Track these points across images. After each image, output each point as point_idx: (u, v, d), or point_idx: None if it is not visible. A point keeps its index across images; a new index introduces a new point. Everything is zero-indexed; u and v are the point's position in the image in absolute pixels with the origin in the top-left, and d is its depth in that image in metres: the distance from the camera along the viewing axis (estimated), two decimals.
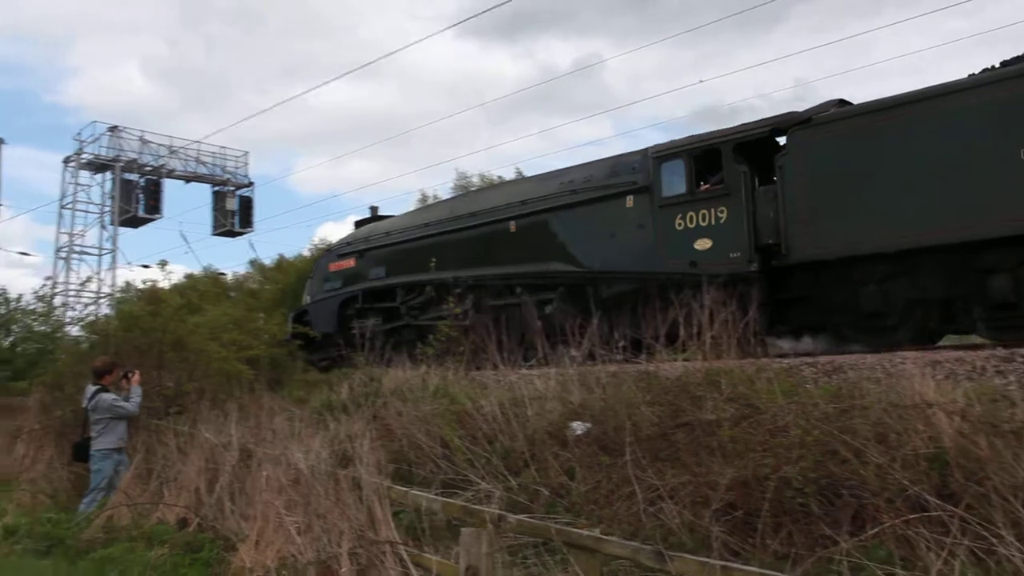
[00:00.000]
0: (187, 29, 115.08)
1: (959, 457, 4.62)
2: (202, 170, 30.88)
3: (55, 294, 25.16)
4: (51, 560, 6.57)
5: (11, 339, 16.96)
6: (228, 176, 31.34)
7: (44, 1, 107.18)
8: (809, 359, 7.58)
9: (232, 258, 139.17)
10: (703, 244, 10.86)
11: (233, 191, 31.34)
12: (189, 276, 30.97)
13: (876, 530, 4.45)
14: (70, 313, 18.47)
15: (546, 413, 7.54)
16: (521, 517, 4.74)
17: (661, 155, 11.55)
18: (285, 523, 5.77)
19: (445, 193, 37.35)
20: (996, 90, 8.63)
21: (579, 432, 7.01)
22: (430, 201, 31.37)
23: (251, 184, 31.94)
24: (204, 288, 13.12)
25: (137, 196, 29.68)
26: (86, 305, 19.70)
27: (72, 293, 24.08)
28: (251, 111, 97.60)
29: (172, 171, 30.28)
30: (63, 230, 29.53)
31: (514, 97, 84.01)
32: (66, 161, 30.04)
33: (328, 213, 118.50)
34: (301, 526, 5.68)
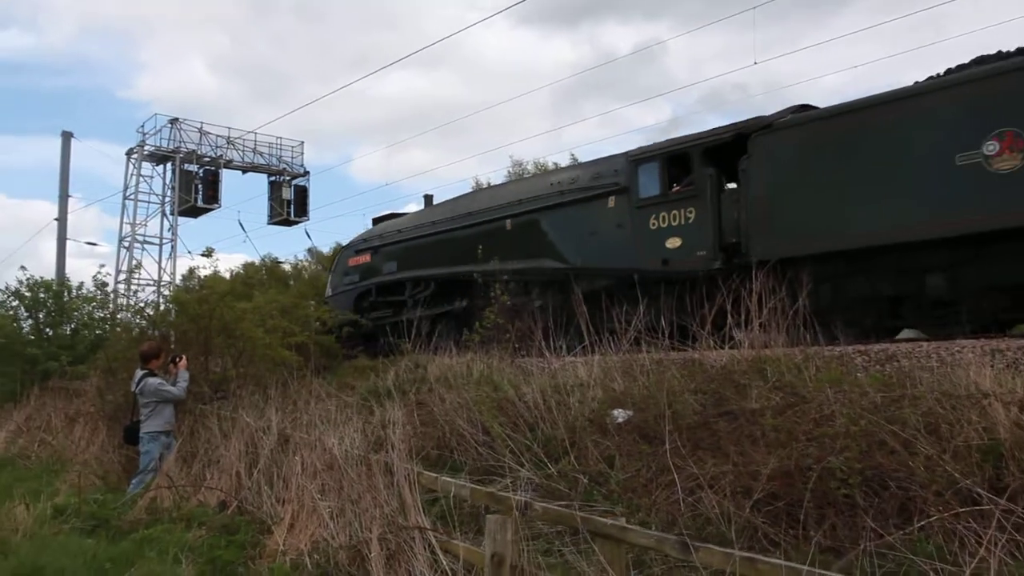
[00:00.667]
0: (254, 24, 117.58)
1: (1015, 449, 4.36)
2: (259, 160, 31.31)
3: (118, 282, 25.91)
4: (95, 539, 6.69)
5: (72, 326, 17.46)
6: (284, 166, 31.72)
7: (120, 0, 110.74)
8: (861, 347, 7.29)
9: (289, 246, 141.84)
10: (674, 243, 11.42)
11: (289, 180, 31.73)
12: (248, 264, 31.50)
13: (923, 523, 4.23)
14: (124, 300, 18.92)
15: (588, 401, 7.41)
16: (546, 504, 4.62)
17: (638, 158, 12.20)
18: (319, 507, 5.76)
19: (499, 180, 37.42)
20: (936, 98, 9.27)
21: (620, 420, 6.88)
22: (483, 186, 31.34)
23: (306, 173, 32.25)
24: (253, 275, 13.18)
25: (196, 186, 30.22)
26: (134, 292, 20.19)
27: (125, 280, 24.68)
28: (311, 103, 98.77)
29: (230, 161, 30.75)
30: (126, 220, 30.32)
31: (574, 84, 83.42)
32: (129, 153, 30.77)
33: (385, 201, 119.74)
34: (334, 510, 5.67)
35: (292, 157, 31.97)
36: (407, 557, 4.94)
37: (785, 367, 6.44)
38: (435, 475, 5.64)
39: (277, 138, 31.66)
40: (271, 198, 31.75)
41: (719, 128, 11.56)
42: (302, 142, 32.15)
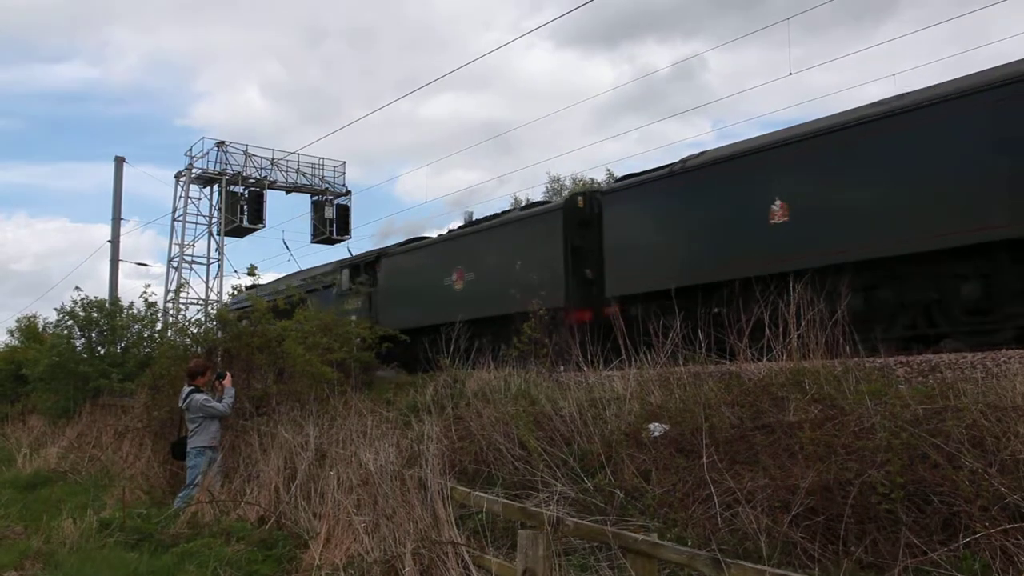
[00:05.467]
0: (305, 50, 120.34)
1: None
2: (302, 181, 31.83)
3: (167, 301, 26.46)
4: (138, 553, 6.81)
5: (123, 344, 17.87)
6: (326, 186, 32.20)
7: (178, 32, 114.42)
8: (903, 359, 7.12)
9: None
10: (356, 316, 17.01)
11: (331, 200, 32.18)
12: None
13: (969, 539, 4.09)
14: (171, 318, 19.32)
15: (624, 415, 7.35)
16: (578, 520, 4.57)
17: (341, 266, 20.83)
18: (354, 522, 5.78)
19: (536, 197, 37.76)
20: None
21: (657, 433, 6.79)
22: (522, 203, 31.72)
23: (348, 193, 32.72)
24: (293, 292, 13.37)
25: (242, 207, 30.82)
26: (179, 311, 20.72)
27: (172, 300, 25.19)
28: (359, 125, 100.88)
29: (274, 182, 31.30)
30: (175, 241, 31.01)
31: (615, 103, 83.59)
32: (177, 176, 31.54)
33: (427, 219, 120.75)
34: (369, 525, 5.68)
35: (334, 177, 32.44)
36: (440, 572, 4.94)
37: (824, 379, 6.30)
38: (468, 490, 5.63)
39: (320, 159, 32.19)
40: (314, 217, 32.21)
41: (370, 251, 20.23)
42: (344, 162, 32.66)
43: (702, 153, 13.05)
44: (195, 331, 12.50)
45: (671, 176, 13.17)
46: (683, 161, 13.10)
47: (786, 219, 10.99)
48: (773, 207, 11.16)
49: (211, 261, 30.94)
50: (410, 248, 18.67)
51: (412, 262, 18.34)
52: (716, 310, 10.15)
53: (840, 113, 11.26)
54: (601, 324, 11.69)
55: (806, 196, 10.82)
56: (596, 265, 14.14)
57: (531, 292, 13.27)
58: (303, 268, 22.45)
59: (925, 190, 9.71)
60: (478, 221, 18.66)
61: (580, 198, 15.21)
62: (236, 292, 18.37)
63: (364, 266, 19.53)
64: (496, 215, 17.81)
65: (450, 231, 19.08)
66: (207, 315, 18.80)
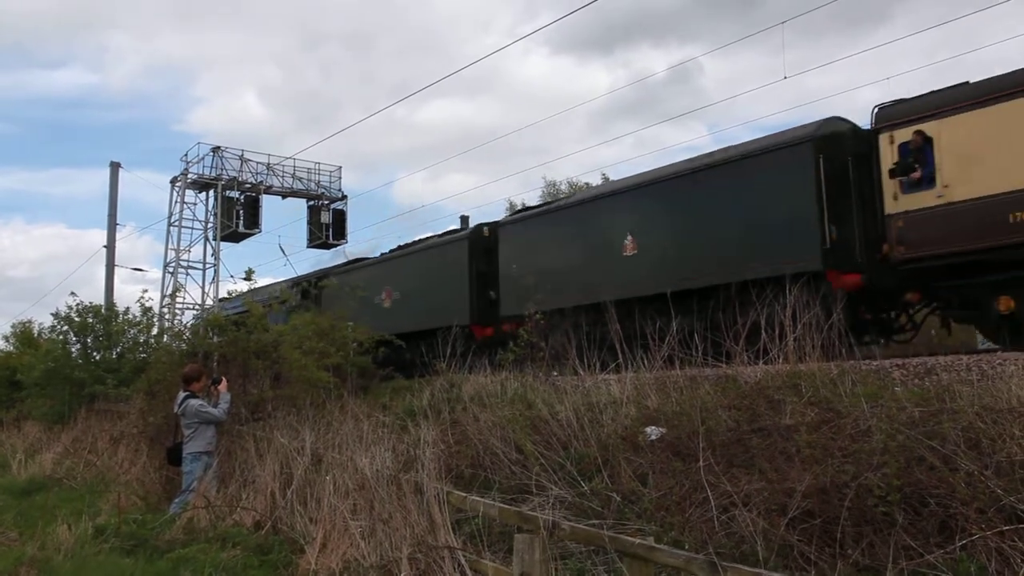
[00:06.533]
0: (303, 54, 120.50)
1: None
2: (298, 185, 31.72)
3: (163, 307, 26.40)
4: (133, 559, 6.78)
5: (118, 349, 17.83)
6: (322, 191, 32.11)
7: (177, 37, 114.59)
8: (899, 361, 7.13)
9: None
10: None
11: (327, 204, 32.12)
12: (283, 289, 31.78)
13: (965, 542, 4.09)
14: (166, 323, 19.30)
15: (621, 418, 7.34)
16: (574, 524, 4.57)
17: (293, 284, 21.90)
18: (350, 527, 5.77)
19: (532, 202, 37.89)
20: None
21: (653, 437, 6.79)
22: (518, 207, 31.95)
23: (344, 197, 32.62)
24: (287, 297, 13.36)
25: (238, 212, 30.69)
26: (174, 316, 20.75)
27: (168, 305, 25.16)
28: (357, 129, 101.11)
29: (270, 187, 31.16)
30: (171, 246, 30.90)
31: (611, 107, 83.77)
32: (173, 181, 31.40)
33: (423, 223, 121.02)
34: (365, 530, 5.67)
35: (330, 182, 32.36)
36: None
37: (820, 382, 6.30)
38: (464, 494, 5.62)
39: (316, 163, 32.10)
40: (310, 222, 32.12)
41: (315, 271, 22.32)
42: (339, 167, 32.54)
43: (574, 194, 17.27)
44: (188, 336, 12.45)
45: (550, 212, 16.09)
46: (558, 200, 16.65)
47: (635, 252, 13.51)
48: (626, 241, 13.73)
49: (207, 266, 30.82)
50: (346, 270, 20.98)
51: (348, 283, 19.21)
52: (587, 329, 11.18)
53: (673, 164, 13.97)
54: (501, 339, 13.76)
55: (647, 233, 13.43)
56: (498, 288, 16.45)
57: (445, 310, 15.68)
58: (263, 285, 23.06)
59: (725, 232, 12.23)
60: (405, 245, 20.74)
61: (485, 228, 17.58)
62: (229, 294, 19.09)
63: (310, 284, 21.11)
64: (418, 240, 20.36)
65: (382, 255, 21.47)
66: (202, 319, 18.83)
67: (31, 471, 13.71)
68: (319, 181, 32.03)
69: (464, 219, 21.98)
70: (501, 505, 5.22)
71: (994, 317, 10.02)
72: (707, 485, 5.46)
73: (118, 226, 29.27)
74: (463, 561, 4.95)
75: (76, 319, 18.05)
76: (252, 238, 31.74)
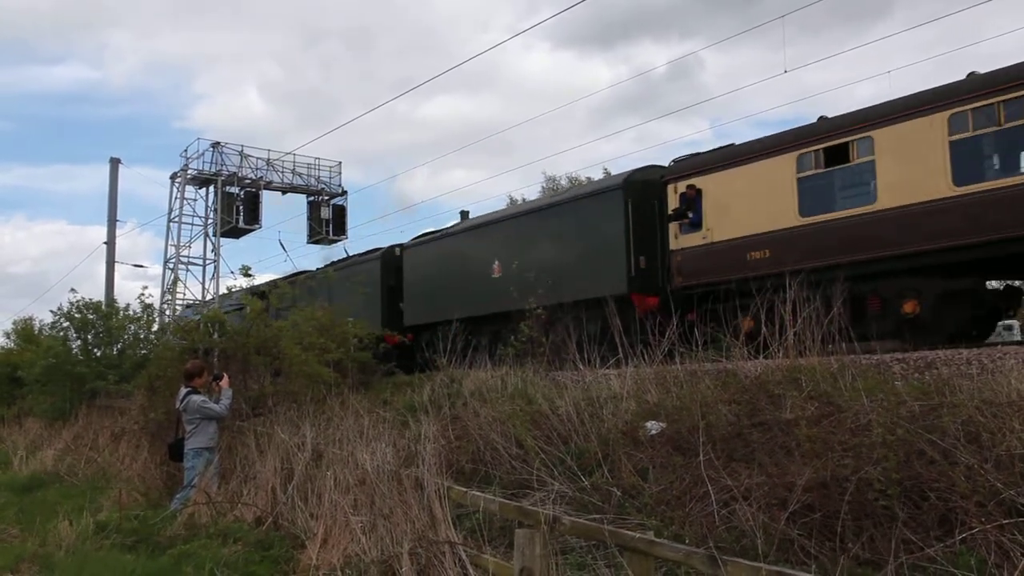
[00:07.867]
0: (304, 52, 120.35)
1: None
2: (298, 181, 31.70)
3: (164, 302, 26.42)
4: (134, 555, 6.78)
5: (119, 345, 17.83)
6: (322, 186, 32.08)
7: (177, 34, 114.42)
8: (900, 355, 7.13)
9: None
10: None
11: (327, 200, 32.09)
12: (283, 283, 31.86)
13: (965, 535, 4.10)
14: (167, 319, 19.29)
15: (621, 413, 7.34)
16: (575, 519, 4.57)
17: (252, 292, 21.17)
18: (351, 522, 5.77)
19: (532, 196, 37.97)
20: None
21: (654, 432, 6.79)
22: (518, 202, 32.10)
23: (344, 193, 32.59)
24: (285, 290, 13.36)
25: (238, 208, 30.68)
26: (174, 311, 20.74)
27: (168, 300, 25.16)
28: (359, 126, 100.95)
29: (270, 183, 31.12)
30: (171, 242, 30.89)
31: (612, 103, 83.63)
32: (173, 177, 31.39)
33: (426, 218, 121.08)
34: (366, 525, 5.67)
35: (330, 177, 32.31)
36: (437, 571, 4.93)
37: (820, 376, 6.30)
38: (465, 490, 5.62)
39: (315, 159, 32.03)
40: (310, 218, 32.09)
41: (267, 282, 20.92)
42: (339, 163, 32.49)
43: (458, 223, 20.06)
44: (201, 326, 12.42)
45: (443, 238, 19.64)
46: (448, 228, 19.88)
47: (500, 274, 16.71)
48: (493, 265, 17.05)
49: (207, 262, 30.81)
50: (290, 280, 22.10)
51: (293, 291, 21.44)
52: (473, 340, 13.05)
53: (530, 201, 17.85)
54: (405, 345, 16.94)
55: (506, 259, 16.46)
56: None
57: (363, 318, 16.76)
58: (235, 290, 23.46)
59: (562, 260, 15.15)
60: (338, 261, 23.70)
61: (397, 248, 21.07)
62: (228, 290, 19.29)
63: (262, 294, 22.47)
64: (346, 258, 23.76)
65: (318, 268, 23.75)
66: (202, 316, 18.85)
67: (32, 467, 13.74)
68: (319, 176, 32.00)
69: (464, 214, 22.31)
70: (502, 500, 5.22)
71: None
72: (707, 479, 5.47)
73: (119, 222, 29.30)
74: (464, 556, 4.95)
75: (77, 315, 18.04)
76: (252, 234, 31.77)
